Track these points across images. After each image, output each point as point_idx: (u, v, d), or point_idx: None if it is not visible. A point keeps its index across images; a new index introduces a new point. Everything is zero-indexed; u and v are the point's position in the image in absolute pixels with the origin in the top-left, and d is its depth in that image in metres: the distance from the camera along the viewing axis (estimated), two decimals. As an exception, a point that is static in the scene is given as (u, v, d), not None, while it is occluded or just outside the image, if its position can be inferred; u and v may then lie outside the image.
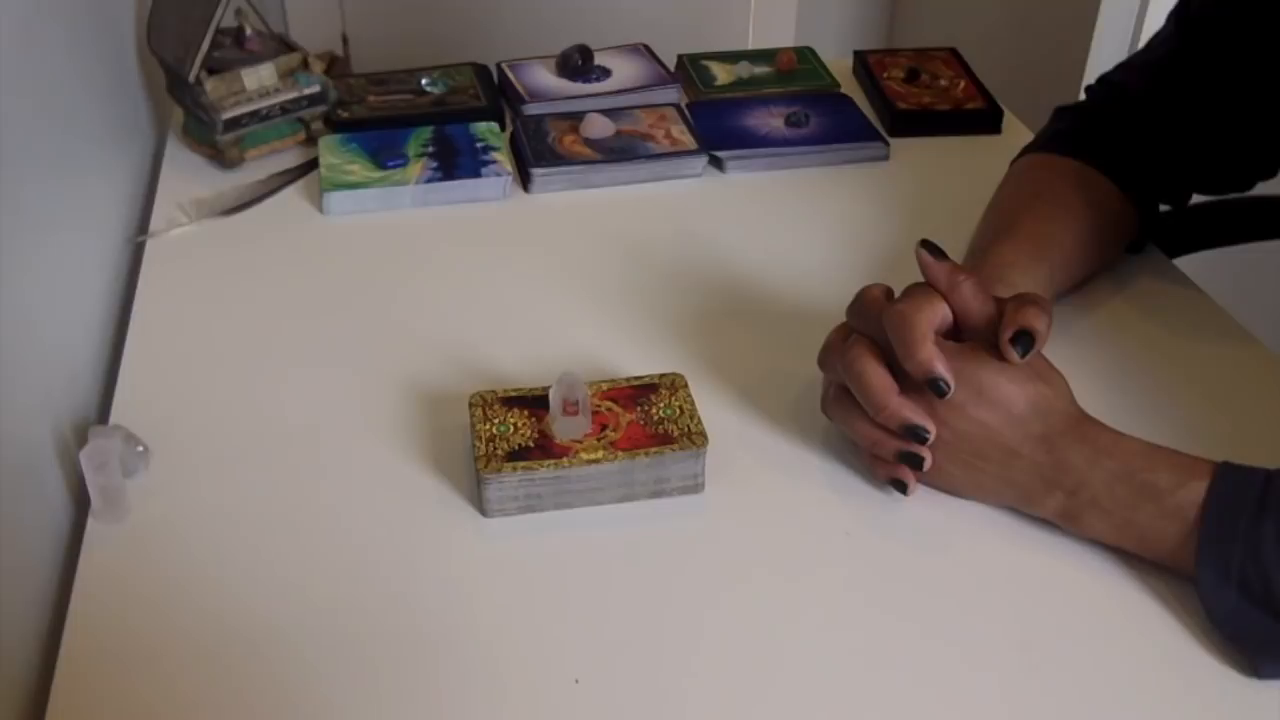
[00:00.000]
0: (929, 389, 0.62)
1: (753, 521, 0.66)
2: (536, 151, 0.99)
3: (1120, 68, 0.90)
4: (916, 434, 0.63)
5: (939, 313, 0.64)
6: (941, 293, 0.65)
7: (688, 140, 1.02)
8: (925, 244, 0.66)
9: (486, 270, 0.88)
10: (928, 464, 0.64)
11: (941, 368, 0.62)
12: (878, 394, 0.63)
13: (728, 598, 0.61)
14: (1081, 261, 0.81)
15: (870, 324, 0.66)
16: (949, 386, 0.62)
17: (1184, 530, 0.59)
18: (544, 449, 0.65)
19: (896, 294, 0.66)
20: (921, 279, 0.66)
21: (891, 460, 0.65)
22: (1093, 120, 0.88)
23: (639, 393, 0.70)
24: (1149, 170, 0.84)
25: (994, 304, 0.65)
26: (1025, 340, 0.62)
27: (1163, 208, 0.88)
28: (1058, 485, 0.62)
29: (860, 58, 1.18)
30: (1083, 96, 0.91)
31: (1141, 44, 0.93)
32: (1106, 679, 0.57)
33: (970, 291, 0.65)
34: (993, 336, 0.63)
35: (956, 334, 0.66)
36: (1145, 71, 0.86)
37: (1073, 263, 0.80)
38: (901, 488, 0.66)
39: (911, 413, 0.63)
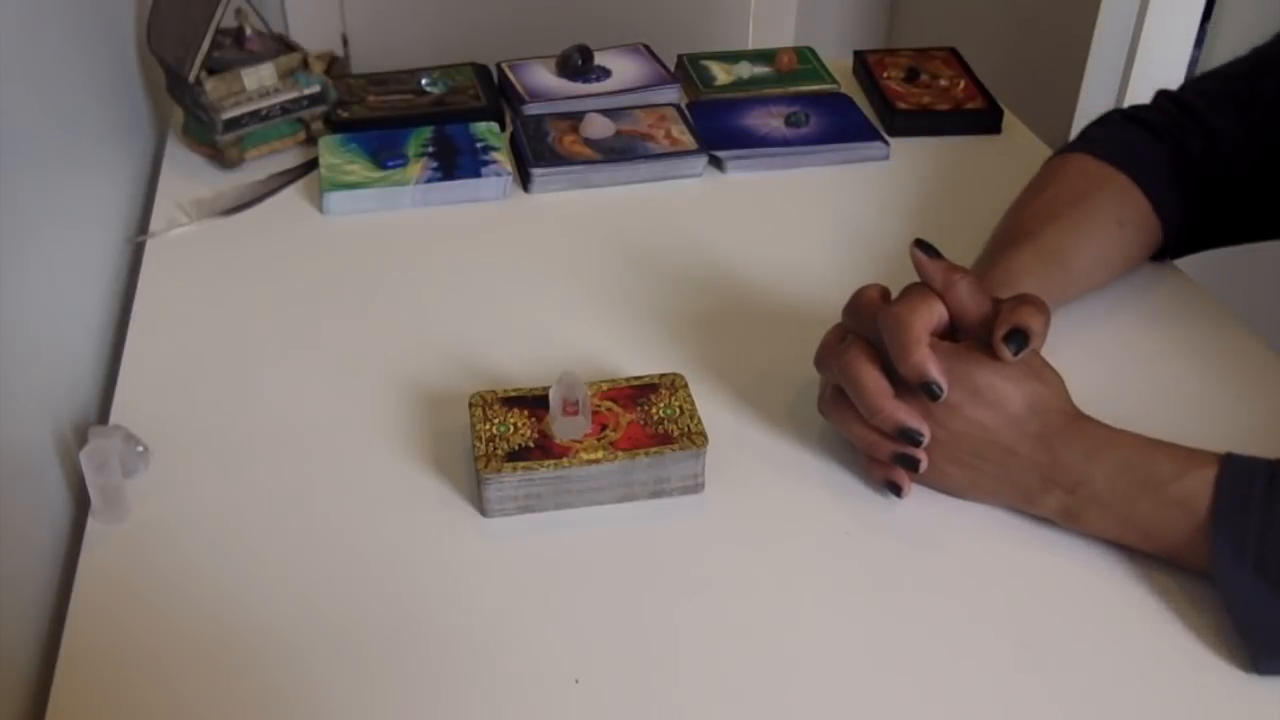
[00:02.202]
0: (921, 392, 0.62)
1: (753, 521, 0.66)
2: (536, 151, 1.00)
3: (1194, 88, 0.86)
4: (910, 436, 0.63)
5: (935, 314, 0.64)
6: (937, 292, 0.65)
7: (688, 140, 1.02)
8: (920, 243, 0.66)
9: (486, 270, 0.88)
10: (923, 466, 0.64)
11: (935, 371, 0.62)
12: (872, 396, 0.63)
13: (728, 598, 0.61)
14: (1097, 276, 0.80)
15: (866, 325, 0.66)
16: (942, 390, 0.62)
17: (1191, 519, 0.59)
18: (544, 449, 0.65)
19: (894, 294, 0.66)
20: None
21: (887, 462, 0.65)
22: (1155, 138, 0.84)
23: (639, 393, 0.70)
24: (1201, 211, 0.82)
25: (991, 303, 0.65)
26: (1018, 338, 0.62)
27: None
28: (1056, 483, 0.62)
29: (860, 58, 1.18)
30: (1132, 101, 0.89)
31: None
32: (1107, 678, 0.57)
33: (966, 290, 0.65)
34: (989, 336, 0.63)
35: (954, 334, 0.66)
36: (1224, 106, 0.82)
37: (1088, 276, 0.79)
38: (896, 490, 0.66)
39: (906, 415, 0.63)
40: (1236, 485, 0.58)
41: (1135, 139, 0.84)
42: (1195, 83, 0.87)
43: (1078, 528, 0.63)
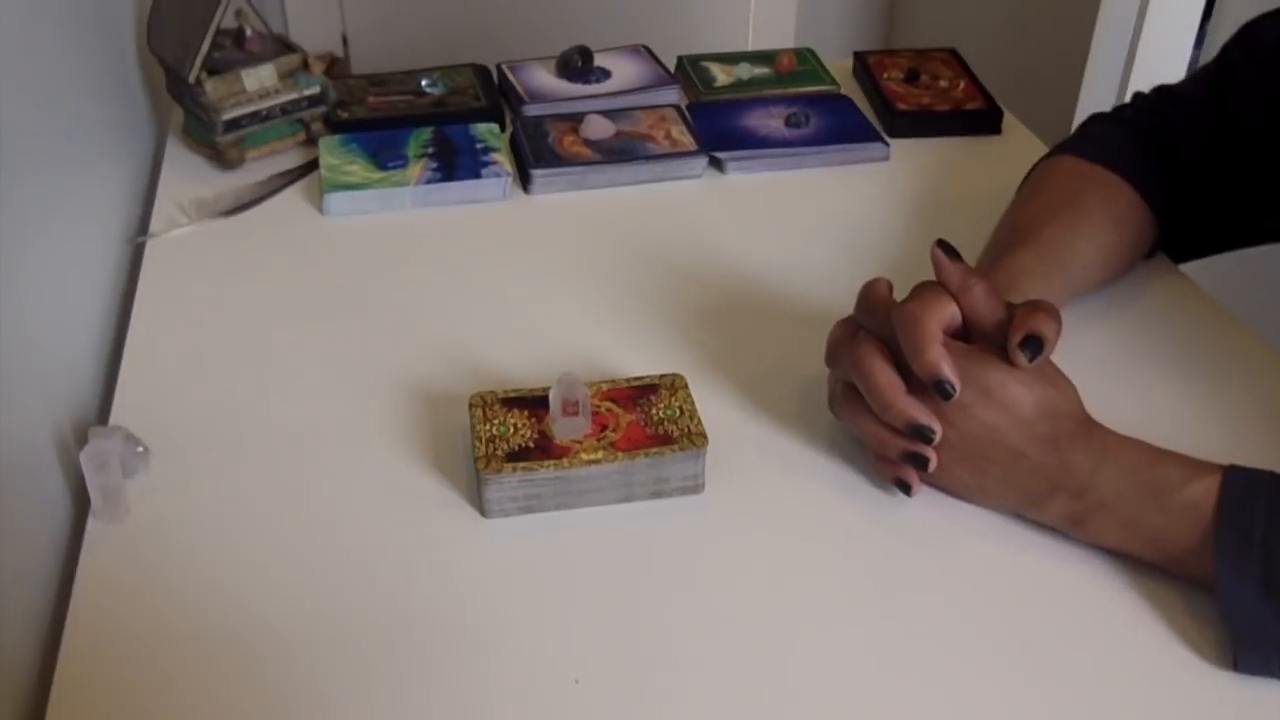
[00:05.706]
0: (934, 391, 0.62)
1: (753, 521, 0.66)
2: (536, 152, 1.00)
3: (1168, 86, 0.88)
4: (922, 434, 0.63)
5: (948, 313, 0.64)
6: (953, 294, 0.65)
7: (688, 141, 1.02)
8: (941, 244, 0.66)
9: (486, 270, 0.88)
10: (933, 465, 0.64)
11: (948, 370, 0.61)
12: (885, 392, 0.63)
13: (728, 598, 0.61)
14: (1098, 274, 0.80)
15: (877, 321, 0.65)
16: (954, 389, 0.62)
17: (1197, 527, 0.58)
18: (544, 449, 0.65)
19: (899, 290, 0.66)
20: (927, 276, 0.66)
21: (897, 460, 0.65)
22: (1132, 129, 0.86)
23: (639, 393, 0.70)
24: (1189, 197, 0.83)
25: (1004, 309, 0.65)
26: (1034, 345, 0.62)
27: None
28: (1063, 488, 0.62)
29: (860, 58, 1.18)
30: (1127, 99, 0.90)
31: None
32: (1107, 682, 0.57)
33: (981, 295, 0.65)
34: (1002, 340, 0.63)
35: (966, 335, 0.66)
36: (1201, 83, 0.84)
37: (1089, 274, 0.79)
38: (906, 488, 0.66)
39: (918, 413, 0.63)
40: (1241, 493, 0.58)
41: (1118, 137, 0.86)
42: (1172, 85, 0.89)
43: (1084, 535, 0.63)
